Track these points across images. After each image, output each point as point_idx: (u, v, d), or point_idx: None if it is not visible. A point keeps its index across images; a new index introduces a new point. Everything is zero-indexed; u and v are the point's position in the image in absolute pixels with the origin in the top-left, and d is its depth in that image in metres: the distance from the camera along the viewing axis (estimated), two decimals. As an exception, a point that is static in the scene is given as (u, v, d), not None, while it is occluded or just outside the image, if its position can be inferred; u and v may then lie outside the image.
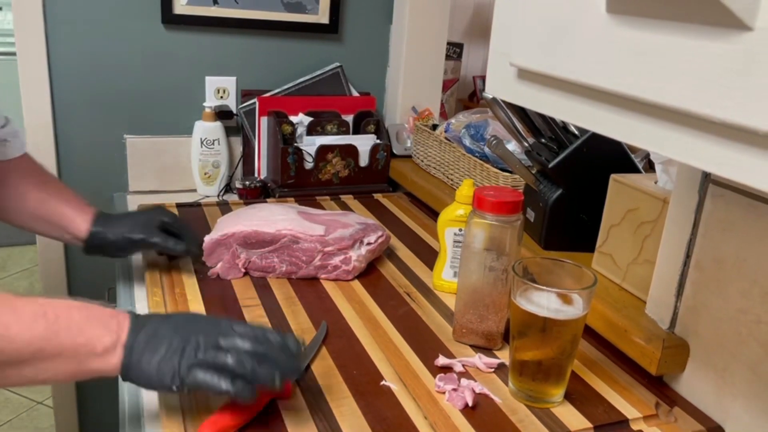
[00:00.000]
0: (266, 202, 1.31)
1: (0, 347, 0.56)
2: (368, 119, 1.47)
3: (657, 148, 0.44)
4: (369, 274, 1.02)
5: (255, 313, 0.87)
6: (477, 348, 0.82)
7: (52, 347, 0.58)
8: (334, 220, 1.02)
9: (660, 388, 0.78)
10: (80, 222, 0.92)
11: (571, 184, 0.99)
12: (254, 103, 1.42)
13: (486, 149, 1.20)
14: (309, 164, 1.37)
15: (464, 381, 0.74)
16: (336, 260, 0.98)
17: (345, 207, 1.32)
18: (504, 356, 0.80)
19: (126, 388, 0.75)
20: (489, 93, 0.61)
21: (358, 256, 0.99)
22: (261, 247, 0.97)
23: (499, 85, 0.59)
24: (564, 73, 0.50)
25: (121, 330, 0.61)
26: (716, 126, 0.38)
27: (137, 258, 1.05)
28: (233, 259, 0.97)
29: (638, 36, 0.43)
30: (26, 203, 0.92)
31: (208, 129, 1.40)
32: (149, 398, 0.72)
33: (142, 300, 0.92)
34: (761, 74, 0.35)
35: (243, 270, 0.98)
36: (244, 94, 1.49)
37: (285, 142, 1.36)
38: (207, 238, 0.96)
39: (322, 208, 1.27)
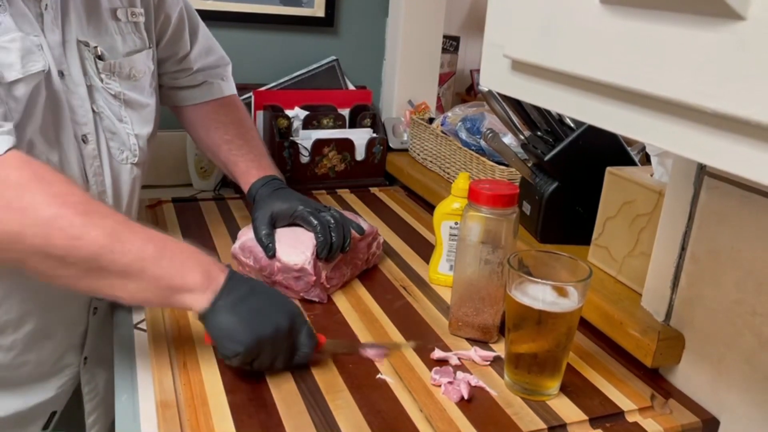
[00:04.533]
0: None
1: (113, 258, 0.64)
2: (364, 113, 1.46)
3: (651, 140, 0.44)
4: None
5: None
6: (473, 341, 0.82)
7: (153, 271, 0.66)
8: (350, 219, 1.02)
9: (655, 380, 0.78)
10: (243, 184, 1.02)
11: (567, 177, 0.99)
12: (250, 96, 1.42)
13: (482, 142, 1.19)
14: (305, 158, 1.37)
15: (460, 374, 0.74)
16: (373, 247, 1.00)
17: (341, 201, 1.32)
18: (500, 349, 0.80)
19: (123, 391, 0.75)
20: (483, 85, 0.61)
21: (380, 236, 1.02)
22: (332, 259, 0.92)
23: (494, 77, 0.59)
24: (558, 65, 0.49)
25: (217, 280, 0.69)
26: (709, 116, 0.38)
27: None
28: (318, 280, 0.90)
29: (632, 26, 0.43)
30: (215, 148, 1.06)
31: (203, 123, 1.39)
32: (146, 402, 0.72)
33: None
34: (753, 64, 0.35)
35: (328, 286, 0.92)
36: (240, 88, 1.46)
37: (281, 136, 1.35)
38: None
39: (318, 202, 1.27)
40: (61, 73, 0.78)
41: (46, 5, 0.76)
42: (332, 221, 0.91)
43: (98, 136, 0.85)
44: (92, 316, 0.92)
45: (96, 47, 0.83)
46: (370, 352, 0.78)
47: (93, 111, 0.84)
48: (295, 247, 0.89)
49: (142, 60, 0.91)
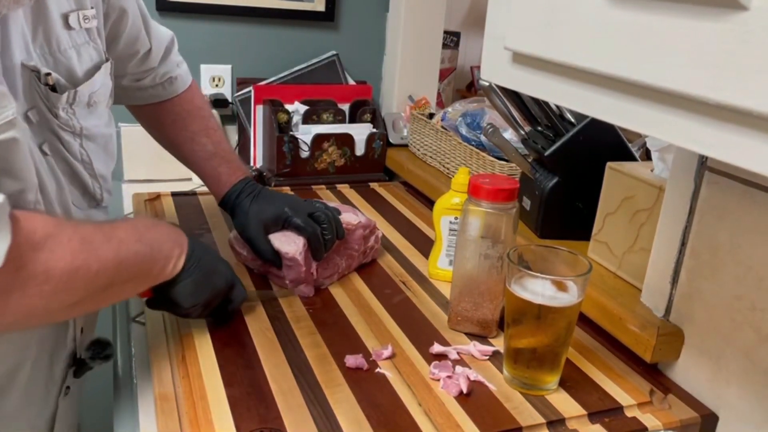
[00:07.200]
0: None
1: (115, 270, 0.61)
2: (364, 108, 1.46)
3: (652, 132, 0.44)
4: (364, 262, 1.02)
5: (250, 302, 0.87)
6: (472, 336, 0.82)
7: (150, 262, 0.67)
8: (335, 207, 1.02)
9: (654, 375, 0.78)
10: (219, 189, 0.96)
11: (567, 173, 0.99)
12: (250, 91, 1.42)
13: (482, 138, 1.19)
14: (305, 153, 1.37)
15: (459, 368, 0.74)
16: (371, 241, 0.99)
17: (341, 196, 1.32)
18: (499, 344, 0.80)
19: (121, 385, 0.75)
20: (484, 78, 0.61)
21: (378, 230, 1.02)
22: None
23: (494, 70, 0.59)
24: (559, 57, 0.49)
25: (184, 244, 0.72)
26: (711, 108, 0.38)
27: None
28: (308, 271, 0.90)
29: (634, 18, 0.43)
30: (191, 152, 0.97)
31: (203, 117, 1.38)
32: (144, 395, 0.72)
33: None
34: (755, 54, 0.34)
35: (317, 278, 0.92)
36: (240, 83, 1.48)
37: (280, 130, 1.35)
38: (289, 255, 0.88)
39: (318, 197, 1.27)
40: None
41: None
42: (324, 222, 0.90)
43: (46, 186, 0.65)
44: (63, 397, 0.76)
45: (48, 75, 0.65)
46: (301, 290, 0.89)
47: (43, 153, 0.66)
48: (287, 236, 0.90)
49: (100, 80, 0.73)
